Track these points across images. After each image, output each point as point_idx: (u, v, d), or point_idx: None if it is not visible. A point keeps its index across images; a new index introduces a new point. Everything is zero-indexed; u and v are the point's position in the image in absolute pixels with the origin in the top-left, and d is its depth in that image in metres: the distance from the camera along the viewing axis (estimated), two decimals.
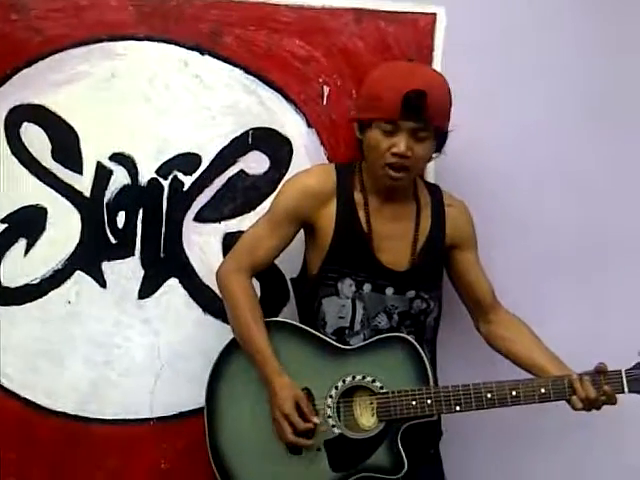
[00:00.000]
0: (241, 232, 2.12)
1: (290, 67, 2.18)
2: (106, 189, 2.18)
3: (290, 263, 2.15)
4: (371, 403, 1.93)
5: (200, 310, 2.21)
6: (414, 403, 1.89)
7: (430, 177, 2.20)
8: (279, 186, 2.12)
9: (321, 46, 2.19)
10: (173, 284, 2.20)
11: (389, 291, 1.99)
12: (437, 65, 2.16)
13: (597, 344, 2.10)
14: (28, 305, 2.18)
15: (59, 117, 2.16)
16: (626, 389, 1.86)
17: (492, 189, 2.22)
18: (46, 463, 2.19)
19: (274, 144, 2.20)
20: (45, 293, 2.18)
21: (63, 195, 2.17)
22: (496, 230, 2.20)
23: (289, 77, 2.19)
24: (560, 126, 2.23)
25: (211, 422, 2.00)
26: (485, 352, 2.10)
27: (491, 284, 2.10)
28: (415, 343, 1.93)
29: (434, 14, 2.18)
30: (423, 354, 1.92)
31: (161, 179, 2.19)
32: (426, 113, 1.86)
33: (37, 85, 2.14)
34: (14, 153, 2.15)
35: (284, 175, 2.19)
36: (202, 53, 2.17)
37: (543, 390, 1.87)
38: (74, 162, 2.17)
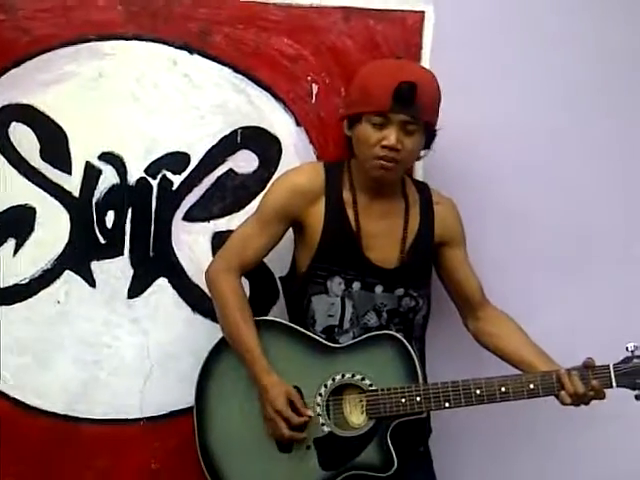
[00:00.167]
0: (230, 231, 2.12)
1: (279, 66, 2.19)
2: (95, 189, 2.18)
3: (279, 262, 2.14)
4: (360, 401, 1.93)
5: (189, 309, 2.20)
6: (403, 400, 1.89)
7: (418, 175, 2.20)
8: (268, 185, 2.12)
9: (310, 44, 2.19)
10: (162, 283, 2.20)
11: (378, 289, 1.99)
12: (425, 63, 2.17)
13: (585, 339, 2.10)
14: (17, 305, 2.18)
15: (47, 117, 2.16)
16: (614, 384, 1.86)
17: (479, 186, 2.22)
18: (36, 463, 2.19)
19: (263, 143, 2.20)
20: (34, 293, 2.18)
21: (52, 195, 2.17)
22: (484, 227, 2.20)
23: (278, 76, 2.19)
24: (547, 123, 2.23)
25: (200, 421, 1.99)
26: (474, 349, 2.10)
27: (479, 281, 2.10)
28: (404, 341, 1.93)
29: (422, 12, 2.19)
30: (412, 352, 1.92)
31: (150, 178, 2.18)
32: (416, 105, 1.87)
33: (25, 85, 2.14)
34: (2, 153, 2.16)
35: (273, 174, 2.19)
36: (191, 52, 2.17)
37: (532, 386, 1.88)
38: (63, 162, 2.17)
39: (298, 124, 2.20)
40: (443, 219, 2.05)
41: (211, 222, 2.20)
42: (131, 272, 2.19)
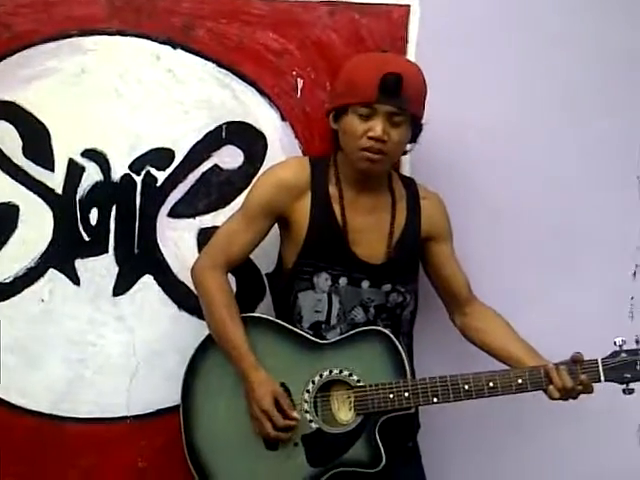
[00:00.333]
0: (216, 227, 2.11)
1: (263, 60, 2.17)
2: (78, 186, 2.16)
3: (265, 258, 2.14)
4: (348, 397, 1.92)
5: (175, 307, 2.19)
6: (391, 396, 1.89)
7: (405, 170, 2.19)
8: (254, 180, 2.10)
9: (294, 39, 2.18)
10: (148, 281, 2.18)
11: (365, 284, 1.98)
12: (411, 56, 2.16)
13: (572, 336, 2.09)
14: (1, 304, 2.15)
15: (29, 114, 2.14)
16: (602, 378, 1.86)
17: (466, 182, 2.21)
18: (21, 463, 2.17)
19: (248, 138, 2.18)
20: (18, 292, 2.16)
21: (35, 192, 2.15)
22: (471, 223, 2.20)
23: (263, 70, 2.17)
24: (533, 116, 2.22)
25: (187, 419, 1.98)
26: (462, 344, 2.10)
27: (466, 276, 2.10)
28: (392, 336, 1.93)
29: (408, 6, 2.18)
30: (400, 347, 1.92)
31: (134, 175, 2.17)
32: (402, 96, 1.87)
33: (6, 81, 2.12)
34: None
35: (259, 169, 2.17)
36: (174, 47, 2.16)
37: (520, 380, 1.88)
38: (45, 159, 2.15)
39: (283, 119, 2.19)
40: (430, 214, 2.05)
41: (196, 218, 2.19)
42: (116, 270, 2.18)
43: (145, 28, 2.15)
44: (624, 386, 1.86)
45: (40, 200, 2.15)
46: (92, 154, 2.15)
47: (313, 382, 1.92)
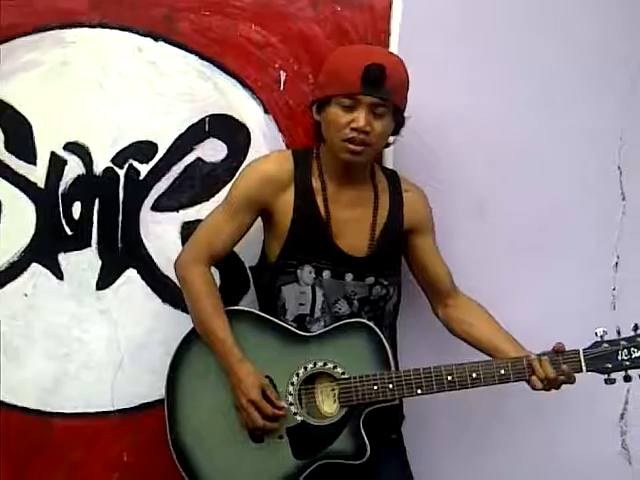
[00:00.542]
0: (199, 221, 2.11)
1: (246, 53, 2.16)
2: (61, 179, 2.15)
3: (249, 251, 2.13)
4: (333, 389, 1.93)
5: (159, 300, 2.18)
6: (376, 388, 1.89)
7: (388, 163, 2.19)
8: (237, 173, 2.10)
9: (277, 31, 2.17)
10: (131, 275, 2.18)
11: (348, 277, 1.98)
12: (394, 49, 2.16)
13: (555, 325, 2.12)
14: None
15: (11, 107, 2.12)
16: (584, 368, 1.88)
17: (449, 173, 2.22)
18: (8, 459, 2.16)
19: (231, 131, 2.18)
20: (1, 286, 2.15)
21: (17, 186, 2.14)
22: (454, 214, 2.21)
23: (245, 63, 2.17)
24: (515, 109, 2.23)
25: (171, 413, 1.98)
26: (445, 336, 2.10)
27: (449, 269, 2.10)
28: (376, 328, 1.93)
29: None
30: (384, 339, 1.92)
31: (117, 168, 2.16)
32: (385, 87, 1.87)
33: None
34: None
35: (242, 162, 2.16)
36: (156, 39, 2.15)
37: (503, 371, 1.89)
38: (27, 153, 2.14)
39: (266, 112, 2.18)
40: (412, 207, 2.05)
41: (180, 212, 2.18)
42: (99, 263, 2.17)
43: (127, 20, 2.13)
44: (606, 376, 1.87)
45: (22, 194, 2.14)
46: (74, 147, 2.14)
47: (297, 375, 1.92)
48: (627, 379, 1.87)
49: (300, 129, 2.18)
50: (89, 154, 2.14)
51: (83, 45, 2.13)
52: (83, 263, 2.16)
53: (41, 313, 2.16)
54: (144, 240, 2.18)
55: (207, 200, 2.17)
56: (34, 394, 2.16)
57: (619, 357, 1.86)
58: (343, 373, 1.91)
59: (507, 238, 2.25)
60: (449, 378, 1.89)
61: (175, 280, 2.08)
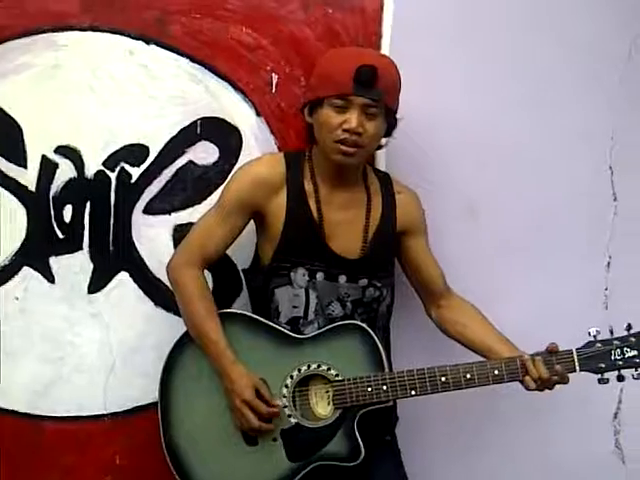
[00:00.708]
0: (191, 224, 2.10)
1: (238, 55, 2.16)
2: (52, 183, 2.14)
3: (242, 254, 2.13)
4: (327, 391, 1.93)
5: (152, 303, 2.18)
6: (370, 389, 1.89)
7: (380, 164, 2.19)
8: (229, 176, 2.10)
9: (268, 34, 2.17)
10: (123, 278, 2.17)
11: (342, 279, 1.98)
12: (385, 51, 2.16)
13: (548, 325, 2.12)
14: None
15: (1, 109, 2.12)
16: (577, 368, 1.88)
17: (441, 175, 2.22)
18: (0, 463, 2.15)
19: (223, 134, 2.17)
20: None
21: (8, 190, 2.13)
22: (446, 215, 2.21)
23: (237, 66, 2.17)
24: (508, 110, 2.23)
25: (165, 416, 1.98)
26: (439, 337, 2.11)
27: (442, 269, 2.11)
28: (369, 330, 1.93)
29: (381, 0, 2.18)
30: (377, 341, 1.92)
31: (108, 171, 2.15)
32: (377, 88, 1.87)
33: None
34: None
35: (234, 165, 2.16)
36: (147, 42, 2.15)
37: (496, 372, 1.89)
38: (18, 156, 2.13)
39: (258, 114, 2.18)
40: (405, 209, 2.05)
41: (172, 215, 2.17)
42: (91, 267, 2.16)
43: (118, 23, 2.13)
44: (599, 376, 1.88)
45: (13, 197, 2.13)
46: (65, 150, 2.14)
47: (292, 377, 1.92)
48: (620, 379, 1.88)
49: (292, 132, 2.18)
50: (80, 157, 2.14)
51: (74, 48, 2.13)
52: (75, 266, 2.16)
53: (33, 317, 2.15)
54: (136, 243, 2.17)
55: (199, 203, 2.17)
56: (26, 398, 2.15)
57: (612, 357, 1.87)
58: (337, 375, 1.91)
59: (499, 239, 2.25)
60: (443, 379, 1.89)
61: (167, 283, 2.07)
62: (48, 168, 2.14)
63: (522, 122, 2.24)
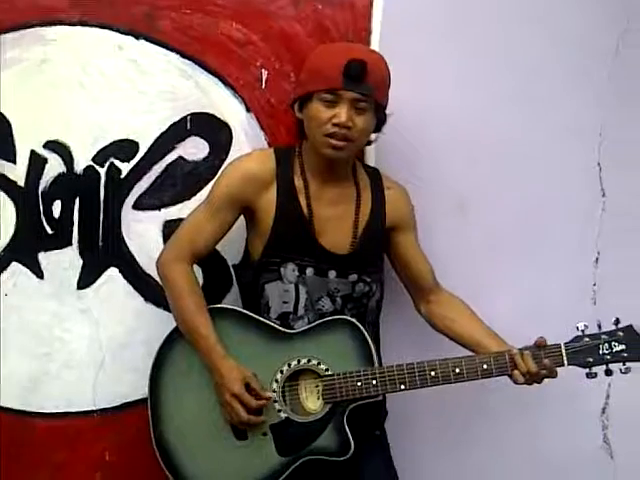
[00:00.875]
0: (181, 219, 2.10)
1: (227, 51, 2.16)
2: (41, 178, 2.13)
3: (232, 250, 2.13)
4: (317, 386, 1.93)
5: (141, 299, 2.17)
6: (359, 384, 1.90)
7: (370, 160, 2.20)
8: (219, 172, 2.09)
9: (258, 29, 2.17)
10: (113, 273, 2.17)
11: (332, 274, 1.99)
12: (375, 47, 2.16)
13: (537, 320, 2.14)
14: None
15: None
16: (566, 362, 1.89)
17: (431, 170, 2.23)
18: None
19: (213, 129, 2.17)
20: None
21: None
22: (436, 211, 2.22)
23: (227, 61, 2.16)
24: (497, 106, 2.24)
25: (155, 412, 1.97)
26: (428, 332, 2.11)
27: (431, 265, 2.11)
28: (359, 325, 1.94)
29: None
30: (367, 335, 1.93)
31: (97, 167, 2.15)
32: (366, 83, 1.88)
33: None
34: None
35: (224, 161, 2.16)
36: (137, 37, 2.14)
37: (485, 366, 1.90)
38: (7, 151, 2.12)
39: (248, 110, 2.18)
40: (394, 204, 2.06)
41: (162, 210, 2.17)
42: (80, 262, 2.16)
43: (107, 18, 2.13)
44: (587, 370, 1.89)
45: (2, 193, 2.12)
46: (54, 146, 2.13)
47: (282, 372, 1.92)
48: (608, 373, 1.89)
49: (282, 127, 2.18)
50: (70, 152, 2.13)
51: (63, 43, 2.12)
52: (64, 262, 2.15)
53: (21, 312, 2.14)
54: (125, 239, 2.17)
55: (189, 199, 2.17)
56: (15, 394, 2.14)
57: (600, 351, 1.88)
58: (327, 370, 1.92)
59: (488, 235, 2.26)
60: (432, 373, 1.90)
61: (157, 279, 2.07)
62: (37, 163, 2.13)
63: (511, 118, 2.25)
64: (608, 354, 1.88)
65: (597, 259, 2.30)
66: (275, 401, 1.92)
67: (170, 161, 2.17)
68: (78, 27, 2.12)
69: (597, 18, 2.25)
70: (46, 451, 2.16)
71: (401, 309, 2.16)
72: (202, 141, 2.18)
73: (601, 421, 2.32)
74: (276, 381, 1.92)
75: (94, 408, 2.17)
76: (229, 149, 2.18)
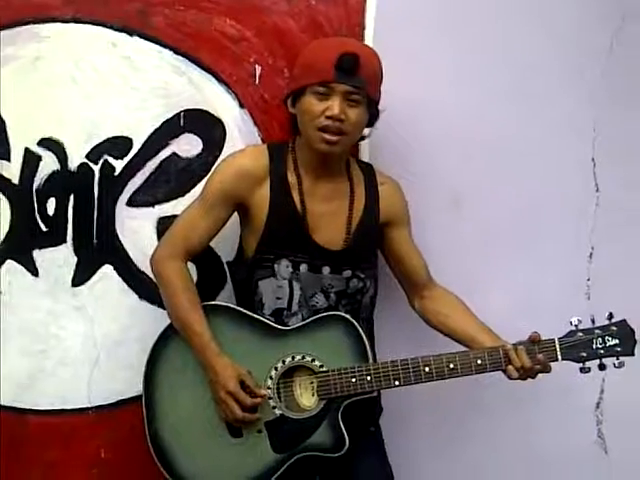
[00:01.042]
0: (175, 216, 2.09)
1: (221, 47, 2.16)
2: (35, 175, 2.13)
3: (226, 246, 2.13)
4: (311, 382, 1.93)
5: (136, 296, 2.17)
6: (354, 380, 1.90)
7: (364, 156, 2.19)
8: (213, 168, 2.09)
9: (252, 25, 2.17)
10: (107, 271, 2.17)
11: (325, 271, 1.99)
12: (368, 42, 2.16)
13: (531, 315, 2.14)
14: None
15: None
16: (559, 357, 1.89)
17: (425, 165, 2.22)
18: None
19: (206, 126, 2.17)
20: None
21: None
22: (430, 206, 2.21)
23: (220, 57, 2.16)
24: (491, 101, 2.24)
25: (149, 409, 1.97)
26: (422, 328, 2.11)
27: (425, 260, 2.11)
28: (353, 321, 1.94)
29: None
30: (361, 331, 1.93)
31: (91, 164, 2.14)
32: (359, 76, 1.88)
33: None
34: None
35: (218, 157, 2.16)
36: (131, 34, 2.14)
37: (479, 361, 1.90)
38: (1, 148, 2.12)
39: (242, 106, 2.18)
40: (388, 200, 2.06)
41: (156, 207, 2.17)
42: (75, 260, 2.15)
43: (101, 15, 2.12)
44: (581, 365, 1.89)
45: None
46: (49, 143, 2.13)
47: (276, 369, 1.92)
48: (602, 367, 1.89)
49: (275, 123, 2.18)
50: (64, 150, 2.13)
51: (57, 40, 2.12)
52: (58, 259, 2.15)
53: (16, 310, 2.14)
54: (120, 236, 2.17)
55: (183, 195, 2.16)
56: (10, 391, 2.14)
57: (594, 346, 1.88)
58: (321, 366, 1.92)
59: (482, 230, 2.26)
60: (426, 369, 1.90)
61: (151, 276, 2.07)
62: (31, 161, 2.13)
63: (506, 114, 2.25)
64: (602, 349, 1.89)
65: (591, 254, 2.30)
66: (270, 398, 1.92)
67: (164, 158, 2.16)
68: (72, 24, 2.12)
69: (591, 16, 2.25)
70: (41, 448, 2.16)
71: (395, 305, 2.16)
72: (196, 137, 2.17)
73: (595, 416, 2.32)
74: (270, 378, 1.92)
75: (89, 405, 2.17)
76: (223, 145, 2.17)
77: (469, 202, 2.25)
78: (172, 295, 1.97)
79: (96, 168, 2.14)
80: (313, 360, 1.92)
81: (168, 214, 2.16)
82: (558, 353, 1.89)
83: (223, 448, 1.93)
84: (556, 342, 1.89)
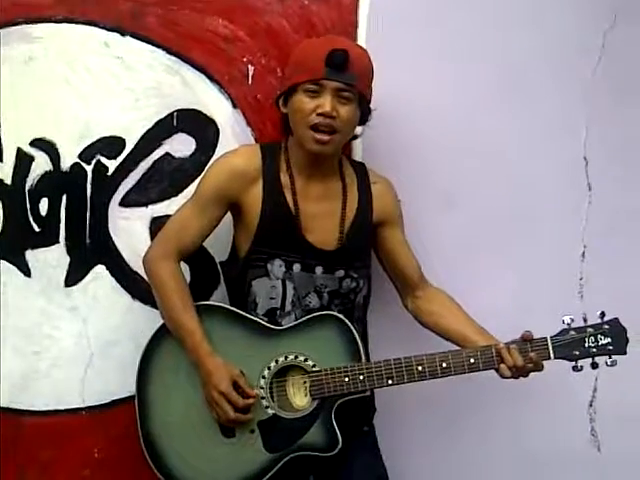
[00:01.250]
0: (168, 216, 2.09)
1: (214, 47, 2.16)
2: (27, 176, 2.13)
3: (219, 246, 2.13)
4: (304, 382, 1.93)
5: (129, 296, 2.17)
6: (347, 380, 1.90)
7: (357, 155, 2.20)
8: (205, 168, 2.09)
9: (245, 25, 2.17)
10: (100, 271, 2.17)
11: (319, 270, 1.99)
12: (362, 42, 2.16)
13: (524, 313, 2.14)
14: None
15: None
16: (552, 355, 1.90)
17: (418, 165, 2.22)
18: None
19: (199, 126, 2.17)
20: None
21: None
22: (423, 205, 2.22)
23: (213, 57, 2.16)
24: (483, 99, 2.24)
25: (142, 409, 1.97)
26: (415, 328, 2.11)
27: (417, 260, 2.11)
28: (346, 320, 1.94)
29: None
30: (354, 331, 1.93)
31: (84, 164, 2.14)
32: (349, 72, 1.88)
33: None
34: None
35: (211, 157, 2.16)
36: (123, 34, 2.14)
37: (472, 360, 1.90)
38: None
39: (235, 106, 2.18)
40: (381, 198, 2.06)
41: (149, 207, 2.17)
42: (67, 260, 2.15)
43: (93, 15, 2.12)
44: (573, 363, 1.90)
45: None
46: (41, 143, 2.13)
47: (269, 368, 1.93)
48: (594, 366, 1.89)
49: (269, 123, 2.18)
50: (56, 150, 2.13)
51: (49, 40, 2.12)
52: (51, 260, 2.15)
53: (9, 311, 2.14)
54: (112, 236, 2.16)
55: (176, 195, 2.17)
56: (4, 392, 2.14)
57: (586, 344, 1.89)
58: (314, 366, 1.92)
59: (475, 229, 2.26)
60: (419, 368, 1.90)
61: (144, 276, 2.06)
62: (24, 161, 2.13)
63: (498, 113, 2.25)
64: (594, 347, 1.89)
65: (584, 253, 2.30)
66: (262, 398, 1.92)
67: (157, 158, 2.16)
68: (64, 24, 2.12)
69: (584, 15, 2.25)
70: (35, 449, 2.16)
71: (388, 305, 2.16)
72: (189, 137, 2.17)
73: (588, 414, 2.32)
74: (263, 377, 1.92)
75: (83, 405, 2.16)
76: (216, 145, 2.17)
77: (461, 201, 2.25)
78: (165, 295, 1.97)
79: (89, 168, 2.14)
80: (306, 360, 1.92)
81: (161, 214, 2.16)
82: (550, 352, 1.89)
83: (216, 448, 1.93)
84: (548, 341, 1.89)
